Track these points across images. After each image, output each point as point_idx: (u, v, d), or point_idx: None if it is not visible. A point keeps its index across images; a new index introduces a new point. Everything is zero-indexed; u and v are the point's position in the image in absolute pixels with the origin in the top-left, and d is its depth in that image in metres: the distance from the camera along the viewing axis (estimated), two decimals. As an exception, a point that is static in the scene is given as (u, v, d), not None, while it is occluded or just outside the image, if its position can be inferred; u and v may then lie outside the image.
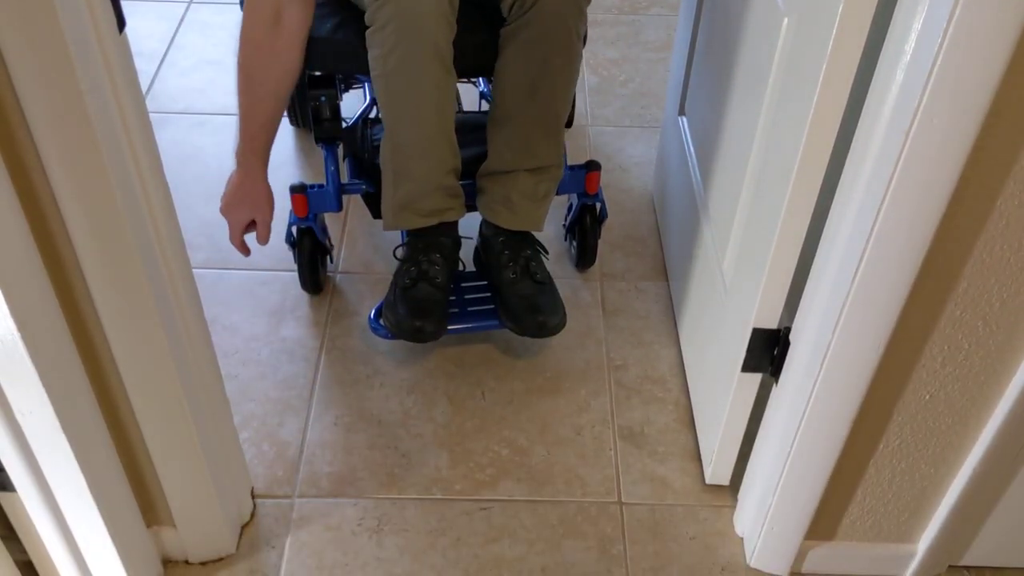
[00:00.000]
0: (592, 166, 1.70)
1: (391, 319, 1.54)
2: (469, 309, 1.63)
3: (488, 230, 1.64)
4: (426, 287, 1.54)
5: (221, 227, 1.55)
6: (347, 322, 1.73)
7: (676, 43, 1.81)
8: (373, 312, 1.63)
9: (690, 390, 1.62)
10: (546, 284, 1.59)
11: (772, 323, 1.24)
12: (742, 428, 1.38)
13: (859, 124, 0.99)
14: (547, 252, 1.66)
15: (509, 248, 1.60)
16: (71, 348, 1.04)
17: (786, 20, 1.13)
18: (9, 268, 0.92)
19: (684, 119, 1.75)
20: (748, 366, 1.29)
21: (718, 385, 1.41)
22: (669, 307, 1.78)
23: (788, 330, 1.22)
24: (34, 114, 0.87)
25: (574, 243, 1.83)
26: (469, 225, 1.70)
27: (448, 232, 1.59)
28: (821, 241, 1.10)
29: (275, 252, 1.85)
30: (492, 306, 1.63)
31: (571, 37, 1.46)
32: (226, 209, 1.56)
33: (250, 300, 1.76)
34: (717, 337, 1.43)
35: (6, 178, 0.89)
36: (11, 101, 0.86)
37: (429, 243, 1.57)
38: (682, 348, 1.69)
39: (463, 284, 1.67)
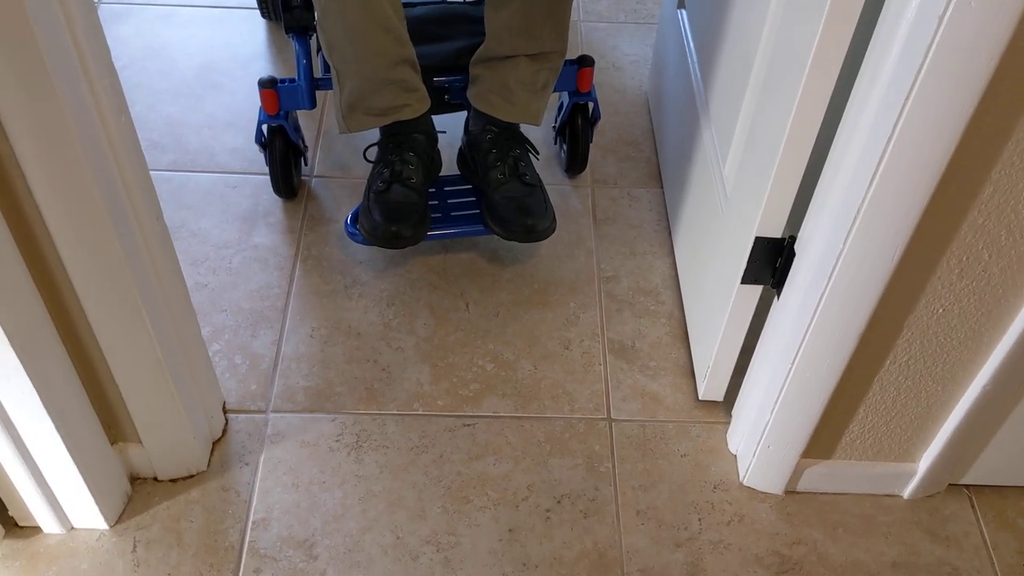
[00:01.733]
0: (585, 61, 1.59)
1: (366, 225, 1.45)
2: (452, 214, 1.54)
3: (476, 126, 1.53)
4: (400, 189, 1.44)
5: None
6: (323, 229, 1.64)
7: (676, -70, 1.68)
8: (349, 217, 1.54)
9: (684, 303, 1.54)
10: (536, 187, 1.50)
11: (776, 232, 1.16)
12: (739, 342, 1.32)
13: (883, 10, 0.89)
14: (537, 153, 1.56)
15: (497, 146, 1.50)
16: (13, 250, 0.95)
17: None
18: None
19: (684, 12, 1.64)
20: (748, 278, 1.21)
21: (715, 298, 1.34)
22: (663, 215, 1.69)
23: (793, 239, 1.14)
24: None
25: (564, 146, 1.73)
26: (450, 122, 1.60)
27: (420, 127, 1.48)
28: (834, 142, 1.01)
29: (245, 153, 1.74)
30: (477, 210, 1.53)
31: None
32: None
33: (220, 204, 1.66)
34: (715, 247, 1.35)
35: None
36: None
37: (401, 141, 1.47)
38: (677, 259, 1.61)
39: (446, 188, 1.58)
